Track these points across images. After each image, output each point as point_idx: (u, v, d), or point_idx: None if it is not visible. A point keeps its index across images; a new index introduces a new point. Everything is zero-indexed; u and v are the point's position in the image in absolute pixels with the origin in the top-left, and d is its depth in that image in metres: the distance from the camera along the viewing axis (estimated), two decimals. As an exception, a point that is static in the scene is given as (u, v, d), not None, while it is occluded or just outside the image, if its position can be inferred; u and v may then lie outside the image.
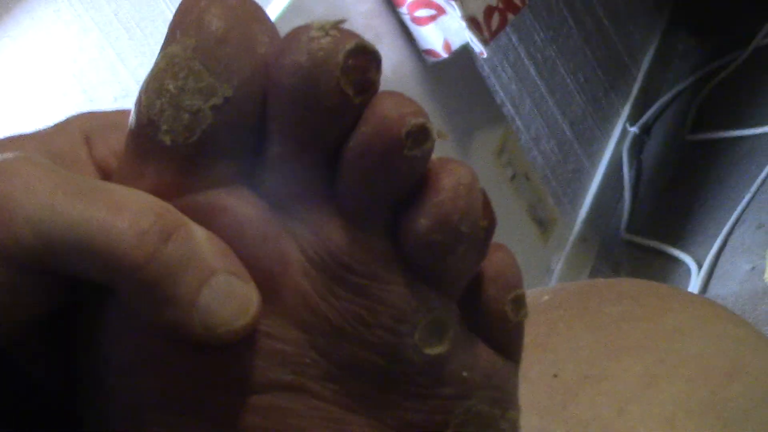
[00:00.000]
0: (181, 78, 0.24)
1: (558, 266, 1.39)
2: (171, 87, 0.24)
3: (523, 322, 0.27)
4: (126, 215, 0.23)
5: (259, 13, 0.25)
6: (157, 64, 0.25)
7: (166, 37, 0.25)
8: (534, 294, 0.45)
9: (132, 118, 0.25)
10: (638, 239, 1.38)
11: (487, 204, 0.25)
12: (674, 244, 1.30)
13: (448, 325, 0.25)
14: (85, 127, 0.27)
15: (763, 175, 1.27)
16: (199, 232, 0.24)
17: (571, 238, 1.43)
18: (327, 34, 0.23)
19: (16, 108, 0.79)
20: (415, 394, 0.25)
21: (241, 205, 0.25)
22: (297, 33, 0.24)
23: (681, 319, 0.40)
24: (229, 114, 0.24)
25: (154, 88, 0.24)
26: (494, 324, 0.26)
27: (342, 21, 0.24)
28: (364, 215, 0.25)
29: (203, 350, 0.24)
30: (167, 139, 0.24)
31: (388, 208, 0.25)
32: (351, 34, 0.24)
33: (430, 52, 1.14)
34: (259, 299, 0.24)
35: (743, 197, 1.26)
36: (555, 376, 0.38)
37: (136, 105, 0.25)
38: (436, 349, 0.25)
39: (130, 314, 0.25)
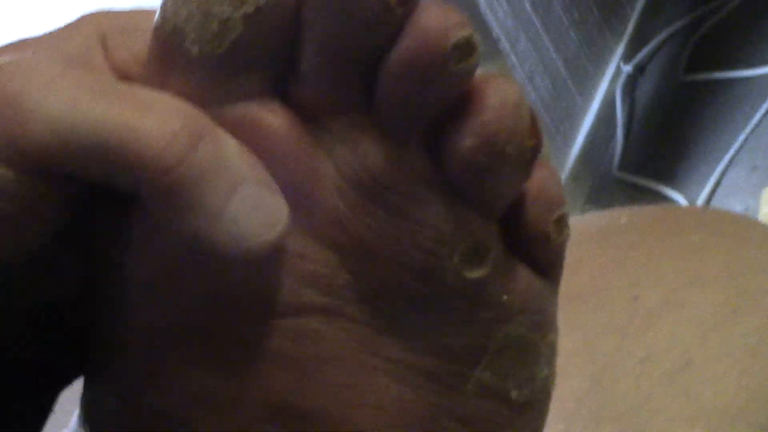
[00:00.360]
0: None
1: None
2: None
3: (565, 243, 0.26)
4: (155, 115, 0.22)
5: None
6: None
7: None
8: (611, 215, 0.44)
9: (156, 23, 0.23)
10: (630, 177, 1.39)
11: (534, 123, 0.24)
12: (667, 183, 1.31)
13: (489, 248, 0.24)
14: (101, 29, 0.26)
15: (757, 116, 1.27)
16: (229, 139, 0.23)
17: (564, 175, 1.43)
18: None
19: None
20: (453, 319, 0.24)
21: (272, 118, 0.23)
22: None
23: (761, 252, 0.39)
24: (261, 23, 0.23)
25: None
26: (536, 245, 0.25)
27: None
28: (404, 132, 0.24)
29: (229, 268, 0.23)
30: (194, 49, 0.23)
31: (430, 125, 0.23)
32: None
33: (430, -16, 1.13)
34: (288, 213, 0.23)
35: (737, 138, 1.26)
36: (635, 298, 0.37)
37: (160, 10, 0.23)
38: (476, 272, 0.24)
39: (153, 225, 0.24)
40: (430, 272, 0.24)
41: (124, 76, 0.25)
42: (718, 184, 1.25)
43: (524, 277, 0.25)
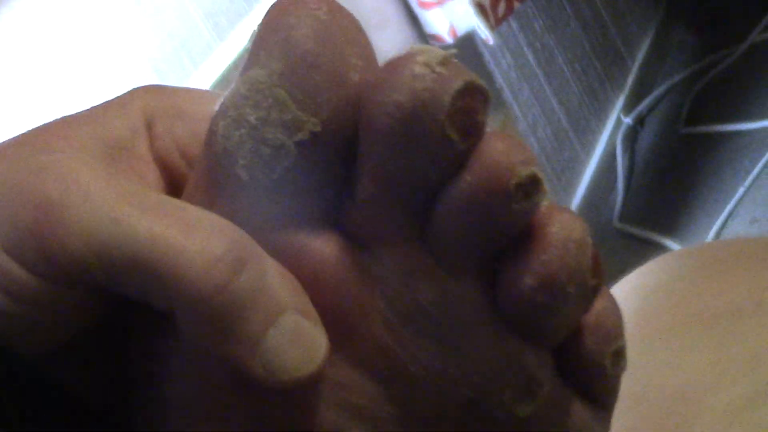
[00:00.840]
0: (264, 108, 0.21)
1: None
2: (252, 118, 0.21)
3: (621, 374, 0.25)
4: (198, 237, 0.21)
5: (354, 31, 0.22)
6: (237, 88, 0.22)
7: (249, 57, 0.22)
8: (764, 240, 0.44)
9: (207, 140, 0.22)
10: (631, 229, 1.40)
11: (596, 261, 0.23)
12: (667, 235, 1.32)
13: (542, 383, 0.23)
14: (148, 110, 0.25)
15: (756, 170, 1.28)
16: (273, 266, 0.22)
17: (565, 225, 1.44)
18: (433, 71, 0.20)
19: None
20: None
21: (321, 246, 0.22)
22: (398, 66, 0.21)
23: None
24: (316, 151, 0.21)
25: (232, 116, 0.22)
26: (592, 377, 0.24)
27: (451, 54, 0.21)
28: (459, 266, 0.22)
29: (271, 396, 0.22)
30: (244, 174, 0.22)
31: (486, 259, 0.22)
32: (459, 71, 0.21)
33: (435, 37, 1.15)
34: (328, 346, 0.22)
35: (737, 191, 1.27)
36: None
37: (210, 130, 0.22)
38: (527, 408, 0.23)
39: (189, 345, 0.23)
40: (478, 407, 0.23)
41: (167, 165, 0.25)
42: (718, 235, 1.25)
43: (577, 409, 0.24)
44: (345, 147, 0.22)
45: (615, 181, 1.51)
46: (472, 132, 0.21)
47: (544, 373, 0.23)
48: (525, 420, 0.23)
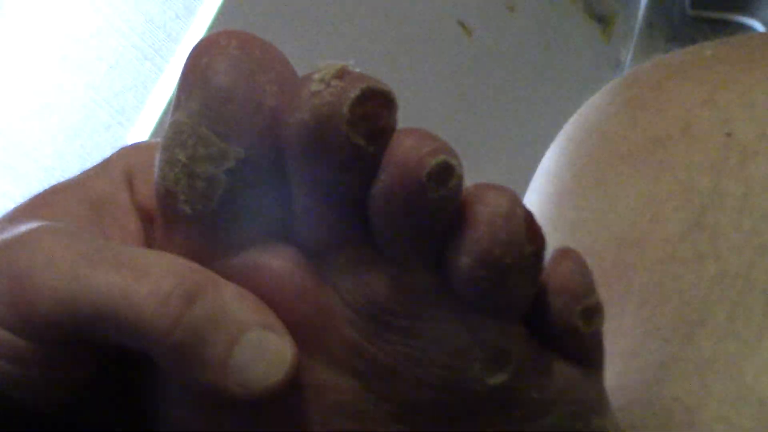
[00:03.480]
0: (191, 146, 0.23)
1: (628, 57, 1.38)
2: (182, 157, 0.23)
3: (599, 330, 0.25)
4: (147, 280, 0.23)
5: (267, 58, 0.23)
6: (166, 132, 0.24)
7: (173, 102, 0.24)
8: (695, 50, 0.43)
9: (154, 185, 0.25)
10: (705, 13, 1.36)
11: (531, 227, 0.24)
12: (746, 13, 1.28)
13: (510, 351, 0.25)
14: (128, 167, 0.27)
15: None
16: (228, 289, 0.23)
17: (637, 26, 1.41)
18: (329, 85, 0.22)
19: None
20: (485, 422, 0.25)
21: (275, 261, 0.24)
22: (299, 86, 0.22)
23: None
24: (245, 175, 0.23)
25: (165, 158, 0.24)
26: (566, 338, 0.25)
27: (345, 65, 0.22)
28: (401, 257, 0.24)
29: (257, 408, 0.24)
30: (187, 208, 0.24)
31: (426, 246, 0.24)
32: (355, 80, 0.22)
33: None
34: (295, 352, 0.24)
35: (810, -49, 1.22)
36: (728, 134, 0.36)
37: (155, 173, 0.25)
38: (499, 377, 0.24)
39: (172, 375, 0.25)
40: (452, 384, 0.24)
41: (149, 211, 0.27)
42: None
43: (558, 369, 0.25)
44: (274, 167, 0.23)
45: (682, -33, 1.46)
46: (378, 134, 0.22)
47: (510, 342, 0.25)
48: (501, 388, 0.25)
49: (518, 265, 0.24)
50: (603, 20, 1.37)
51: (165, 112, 0.88)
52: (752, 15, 1.28)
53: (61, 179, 0.27)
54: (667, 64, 0.45)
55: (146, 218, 0.27)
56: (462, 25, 1.18)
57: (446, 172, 0.22)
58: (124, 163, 0.27)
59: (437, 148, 0.22)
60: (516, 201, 0.24)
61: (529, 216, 0.24)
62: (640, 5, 1.49)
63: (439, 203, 0.23)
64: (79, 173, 0.27)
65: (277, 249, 0.24)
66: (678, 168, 0.37)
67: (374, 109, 0.22)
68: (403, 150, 0.22)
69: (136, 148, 0.28)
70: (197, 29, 0.93)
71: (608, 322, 0.26)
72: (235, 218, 0.24)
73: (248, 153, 0.23)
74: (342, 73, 0.22)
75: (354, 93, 0.22)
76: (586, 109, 0.46)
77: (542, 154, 0.47)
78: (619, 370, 0.33)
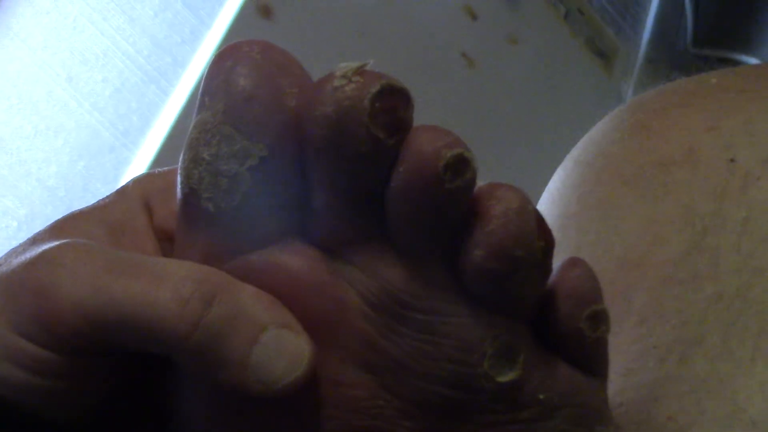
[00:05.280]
0: (215, 144, 0.24)
1: (629, 92, 1.39)
2: (205, 155, 0.24)
3: (604, 338, 0.26)
4: (166, 286, 0.23)
5: (287, 64, 0.24)
6: (190, 132, 0.24)
7: (198, 104, 0.24)
8: (700, 78, 0.43)
9: (177, 186, 0.25)
10: (706, 51, 1.37)
11: (541, 224, 0.25)
12: (742, 49, 1.29)
13: (519, 349, 0.25)
14: (144, 193, 0.28)
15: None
16: (245, 291, 0.24)
17: (638, 62, 1.42)
18: (350, 80, 0.23)
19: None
20: (492, 422, 0.25)
21: (293, 258, 0.25)
22: (321, 83, 0.23)
23: None
24: (268, 173, 0.24)
25: (190, 157, 0.24)
26: (571, 342, 0.26)
27: (365, 64, 0.23)
28: (417, 251, 0.25)
29: (276, 404, 0.25)
30: (210, 206, 0.24)
31: (441, 240, 0.24)
32: (375, 77, 0.23)
33: None
34: (312, 349, 0.24)
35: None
36: (731, 160, 0.37)
37: (178, 177, 0.25)
38: (508, 375, 0.25)
39: (194, 377, 0.25)
40: (462, 380, 0.25)
41: (167, 233, 0.27)
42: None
43: (563, 373, 0.26)
44: (295, 165, 0.24)
45: (683, 5, 1.47)
46: (397, 128, 0.23)
47: (520, 341, 0.25)
48: (509, 386, 0.25)
49: (529, 259, 0.24)
50: (605, 55, 1.38)
51: (169, 135, 0.88)
52: (752, 53, 1.29)
53: (65, 199, 0.28)
54: (672, 91, 0.45)
55: (164, 240, 0.28)
56: (465, 56, 1.19)
57: (462, 164, 0.23)
58: (141, 189, 0.28)
59: (453, 142, 0.23)
60: (527, 198, 0.24)
61: (539, 214, 0.25)
62: (642, 41, 1.51)
63: (454, 194, 0.23)
64: (99, 201, 0.28)
65: (295, 246, 0.25)
66: (681, 192, 0.37)
67: (393, 104, 0.23)
68: (420, 143, 0.23)
69: (152, 175, 0.29)
70: (203, 54, 0.93)
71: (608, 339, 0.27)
72: (256, 215, 0.25)
73: (271, 151, 0.24)
74: (362, 71, 0.23)
75: (375, 88, 0.23)
76: (592, 133, 0.46)
77: (542, 186, 0.47)
78: (615, 388, 0.33)
